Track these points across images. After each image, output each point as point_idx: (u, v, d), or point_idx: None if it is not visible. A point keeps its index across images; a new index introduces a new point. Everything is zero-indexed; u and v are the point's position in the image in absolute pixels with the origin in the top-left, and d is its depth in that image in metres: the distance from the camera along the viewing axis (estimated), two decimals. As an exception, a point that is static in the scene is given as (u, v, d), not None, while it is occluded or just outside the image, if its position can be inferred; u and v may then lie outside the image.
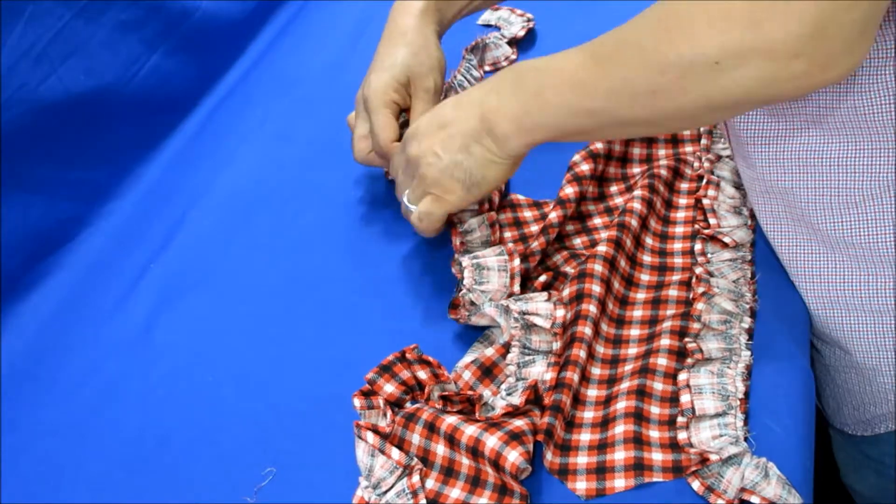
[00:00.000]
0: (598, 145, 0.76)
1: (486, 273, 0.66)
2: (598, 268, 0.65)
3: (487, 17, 0.99)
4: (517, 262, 0.66)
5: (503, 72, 0.63)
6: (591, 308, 0.63)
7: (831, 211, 0.61)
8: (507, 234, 0.74)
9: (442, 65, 0.78)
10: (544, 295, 0.64)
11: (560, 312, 0.62)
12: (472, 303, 0.65)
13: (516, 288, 0.66)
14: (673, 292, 0.65)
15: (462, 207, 0.68)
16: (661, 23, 0.51)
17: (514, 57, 0.93)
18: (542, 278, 0.67)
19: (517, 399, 0.58)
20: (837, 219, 0.61)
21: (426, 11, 0.78)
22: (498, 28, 0.97)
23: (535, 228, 0.74)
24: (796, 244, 0.64)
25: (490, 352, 0.64)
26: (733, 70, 0.48)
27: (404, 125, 0.76)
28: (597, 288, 0.64)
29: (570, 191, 0.72)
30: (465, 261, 0.67)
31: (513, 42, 0.95)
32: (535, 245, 0.69)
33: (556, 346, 0.62)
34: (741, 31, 0.47)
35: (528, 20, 0.96)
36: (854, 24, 0.46)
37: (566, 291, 0.65)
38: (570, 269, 0.69)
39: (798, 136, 0.60)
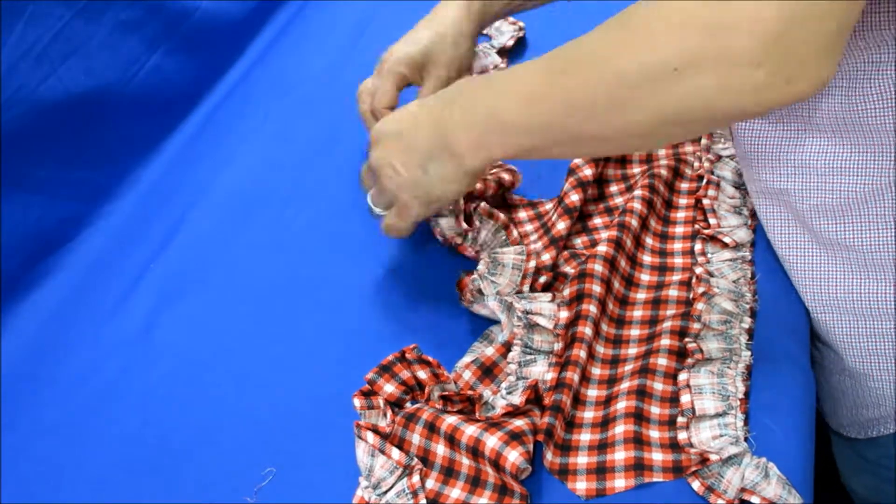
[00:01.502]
0: None
1: (501, 268, 0.67)
2: (599, 268, 0.65)
3: None
4: (532, 263, 0.67)
5: (460, 86, 0.62)
6: (592, 308, 0.63)
7: (829, 214, 0.61)
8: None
9: (463, 61, 0.78)
10: (548, 295, 0.64)
11: (564, 314, 0.63)
12: (480, 291, 0.65)
13: (525, 287, 0.66)
14: (673, 292, 0.65)
15: (424, 218, 0.68)
16: (619, 32, 0.50)
17: (503, 66, 0.92)
18: (543, 279, 0.67)
19: (517, 398, 0.58)
20: (835, 222, 0.61)
21: (468, 8, 0.78)
22: (489, 37, 0.96)
23: (529, 227, 0.74)
24: (795, 245, 0.64)
25: (490, 351, 0.64)
26: (692, 78, 0.46)
27: None
28: (597, 288, 0.64)
29: (575, 198, 0.71)
30: (484, 255, 0.68)
31: (503, 52, 0.94)
32: (547, 258, 0.69)
33: (558, 346, 0.62)
34: (701, 36, 0.45)
35: (519, 29, 0.95)
36: (821, 34, 0.44)
37: (566, 291, 0.65)
38: (570, 269, 0.69)
39: (797, 139, 0.60)
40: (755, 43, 0.44)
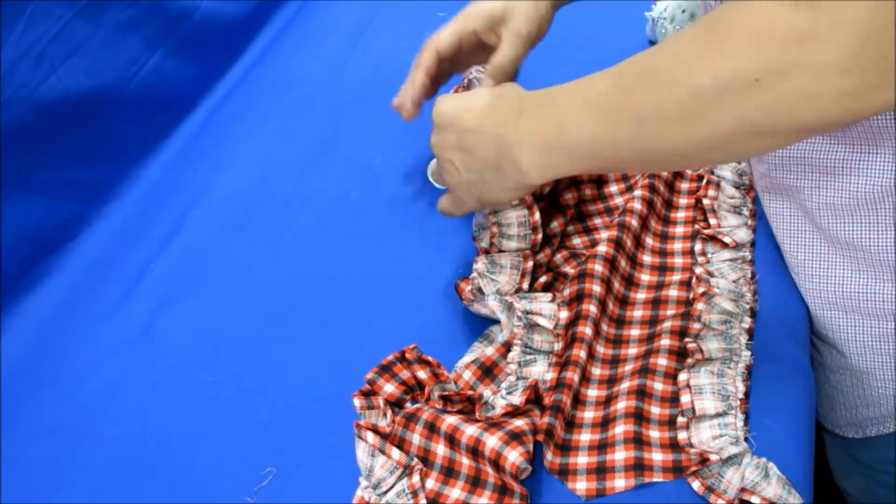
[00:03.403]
0: None
1: (500, 268, 0.67)
2: (599, 268, 0.65)
3: None
4: (531, 263, 0.67)
5: (519, 100, 0.59)
6: (592, 308, 0.63)
7: (838, 212, 0.61)
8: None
9: (543, 23, 0.74)
10: (548, 295, 0.64)
11: (564, 314, 0.63)
12: (480, 290, 0.65)
13: (525, 286, 0.66)
14: (673, 292, 0.65)
15: (470, 210, 0.67)
16: (693, 42, 0.47)
17: None
18: (543, 279, 0.67)
19: (517, 398, 0.58)
20: (843, 220, 0.61)
21: None
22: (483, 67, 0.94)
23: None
24: (802, 243, 0.64)
25: (490, 351, 0.64)
26: (775, 87, 0.44)
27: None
28: (597, 288, 0.64)
29: (568, 196, 0.72)
30: (481, 257, 0.68)
31: None
32: (541, 256, 0.69)
33: (558, 346, 0.62)
34: (783, 43, 0.42)
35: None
36: None
37: (566, 291, 0.65)
38: (570, 269, 0.69)
39: (810, 139, 0.60)
40: (842, 49, 0.41)
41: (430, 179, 0.68)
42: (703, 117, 0.47)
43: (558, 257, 0.71)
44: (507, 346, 0.63)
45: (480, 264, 0.67)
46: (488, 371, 0.63)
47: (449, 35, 0.75)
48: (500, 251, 0.67)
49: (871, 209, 0.59)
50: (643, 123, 0.50)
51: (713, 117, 0.47)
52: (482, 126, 0.60)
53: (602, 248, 0.66)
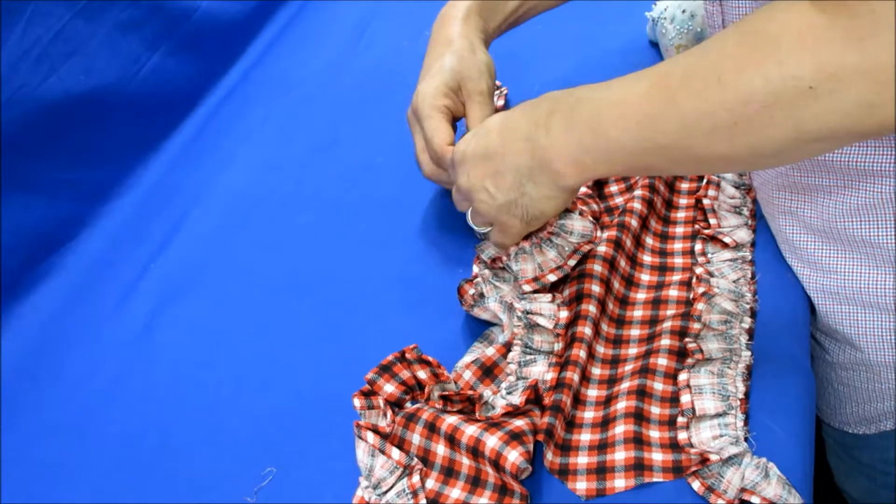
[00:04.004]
0: None
1: (503, 280, 0.67)
2: (598, 268, 0.65)
3: None
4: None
5: (548, 101, 0.58)
6: (591, 308, 0.63)
7: (854, 212, 0.61)
8: None
9: (491, 68, 0.73)
10: (548, 296, 0.64)
11: (563, 314, 0.63)
12: (481, 294, 0.65)
13: (526, 287, 0.66)
14: (673, 292, 0.65)
15: (526, 233, 0.65)
16: (741, 46, 0.45)
17: None
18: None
19: (517, 398, 0.58)
20: (860, 219, 0.61)
21: (468, 19, 0.74)
22: None
23: None
24: (812, 240, 0.64)
25: (491, 351, 0.64)
26: (830, 95, 0.42)
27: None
28: (597, 288, 0.64)
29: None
30: (485, 264, 0.68)
31: None
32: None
33: (558, 346, 0.62)
34: (840, 49, 0.41)
35: (501, 93, 0.89)
36: None
37: (566, 292, 0.65)
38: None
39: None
40: None
41: (471, 224, 0.65)
42: (754, 125, 0.46)
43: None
44: (508, 347, 0.63)
45: (486, 271, 0.68)
46: (488, 371, 0.63)
47: (442, 128, 0.70)
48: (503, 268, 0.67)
49: (887, 207, 0.59)
50: (689, 129, 0.49)
51: (764, 125, 0.45)
52: (509, 141, 0.59)
53: (602, 248, 0.66)
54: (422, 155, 0.72)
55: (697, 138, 0.49)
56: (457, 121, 0.73)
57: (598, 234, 0.65)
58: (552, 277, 0.65)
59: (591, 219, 0.66)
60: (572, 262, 0.65)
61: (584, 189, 0.72)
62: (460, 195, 0.65)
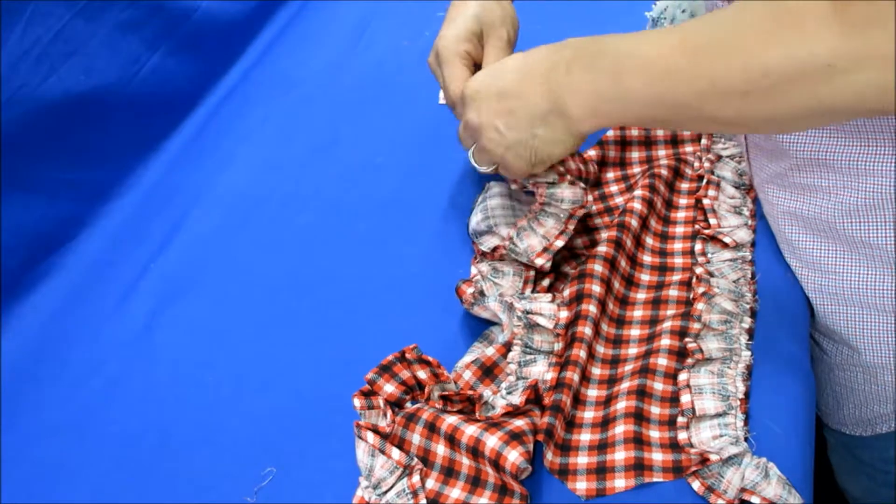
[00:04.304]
0: (592, 153, 0.76)
1: (502, 274, 0.67)
2: (599, 268, 0.65)
3: None
4: (533, 272, 0.67)
5: (571, 47, 0.58)
6: (592, 308, 0.63)
7: (853, 212, 0.61)
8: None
9: (514, 17, 0.74)
10: (548, 296, 0.64)
11: (563, 314, 0.63)
12: (481, 292, 0.65)
13: (527, 291, 0.66)
14: (673, 292, 0.65)
15: (525, 176, 0.65)
16: (765, 19, 0.47)
17: None
18: (546, 281, 0.67)
19: (517, 398, 0.58)
20: (858, 220, 0.61)
21: None
22: None
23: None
24: (812, 240, 0.64)
25: (491, 352, 0.64)
26: (847, 74, 0.44)
27: None
28: (597, 288, 0.64)
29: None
30: (484, 264, 0.68)
31: None
32: (541, 262, 0.68)
33: (558, 346, 0.62)
34: (861, 31, 0.43)
35: None
36: None
37: (566, 292, 0.65)
38: (570, 270, 0.69)
39: (824, 138, 0.60)
40: None
41: (473, 164, 0.65)
42: (771, 95, 0.47)
43: (558, 257, 0.71)
44: (508, 347, 0.63)
45: (484, 266, 0.67)
46: (489, 371, 0.63)
47: (461, 76, 0.70)
48: (503, 258, 0.67)
49: (886, 208, 0.59)
50: (705, 92, 0.50)
51: (781, 96, 0.47)
52: (526, 82, 0.59)
53: (602, 249, 0.66)
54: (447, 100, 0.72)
55: (713, 101, 0.50)
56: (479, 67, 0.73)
57: (589, 197, 0.66)
58: (559, 243, 0.65)
59: (580, 184, 0.66)
60: (572, 227, 0.66)
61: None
62: (467, 132, 0.65)
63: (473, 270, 0.70)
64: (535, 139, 0.60)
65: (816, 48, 0.44)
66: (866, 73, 0.44)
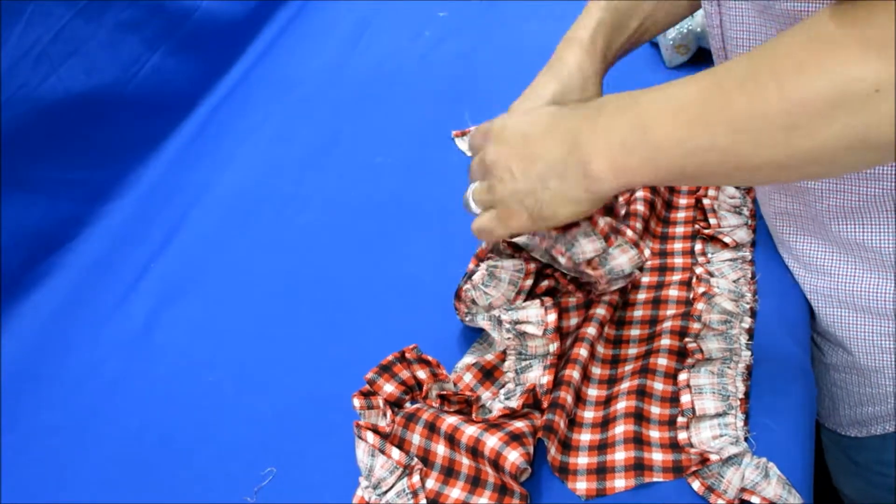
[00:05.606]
0: None
1: (497, 281, 0.66)
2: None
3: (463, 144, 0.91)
4: (529, 281, 0.66)
5: (604, 100, 0.55)
6: (599, 310, 0.63)
7: (848, 215, 0.61)
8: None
9: (596, 85, 0.68)
10: (536, 302, 0.64)
11: (552, 317, 0.62)
12: (474, 301, 0.65)
13: (519, 302, 0.65)
14: (673, 292, 0.65)
15: (523, 233, 0.62)
16: (801, 48, 0.44)
17: None
18: (545, 282, 0.67)
19: (514, 403, 0.58)
20: (853, 222, 0.61)
21: (593, 45, 0.68)
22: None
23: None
24: (808, 241, 0.64)
25: (490, 356, 0.64)
26: (893, 101, 0.40)
27: None
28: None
29: None
30: (482, 266, 0.68)
31: None
32: (532, 265, 0.68)
33: (554, 346, 0.62)
34: None
35: None
36: None
37: (573, 299, 0.64)
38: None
39: None
40: None
41: (467, 201, 0.62)
42: (811, 128, 0.44)
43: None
44: (506, 352, 0.63)
45: (478, 275, 0.66)
46: (489, 374, 0.63)
47: None
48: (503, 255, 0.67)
49: (880, 211, 0.59)
50: (740, 132, 0.46)
51: (822, 128, 0.43)
52: (553, 131, 0.56)
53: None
54: None
55: (748, 141, 0.46)
56: None
57: (531, 266, 0.64)
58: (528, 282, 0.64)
59: (524, 256, 0.65)
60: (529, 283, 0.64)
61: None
62: (480, 168, 0.61)
63: (470, 266, 0.68)
64: (546, 192, 0.56)
65: (859, 73, 0.41)
66: None
